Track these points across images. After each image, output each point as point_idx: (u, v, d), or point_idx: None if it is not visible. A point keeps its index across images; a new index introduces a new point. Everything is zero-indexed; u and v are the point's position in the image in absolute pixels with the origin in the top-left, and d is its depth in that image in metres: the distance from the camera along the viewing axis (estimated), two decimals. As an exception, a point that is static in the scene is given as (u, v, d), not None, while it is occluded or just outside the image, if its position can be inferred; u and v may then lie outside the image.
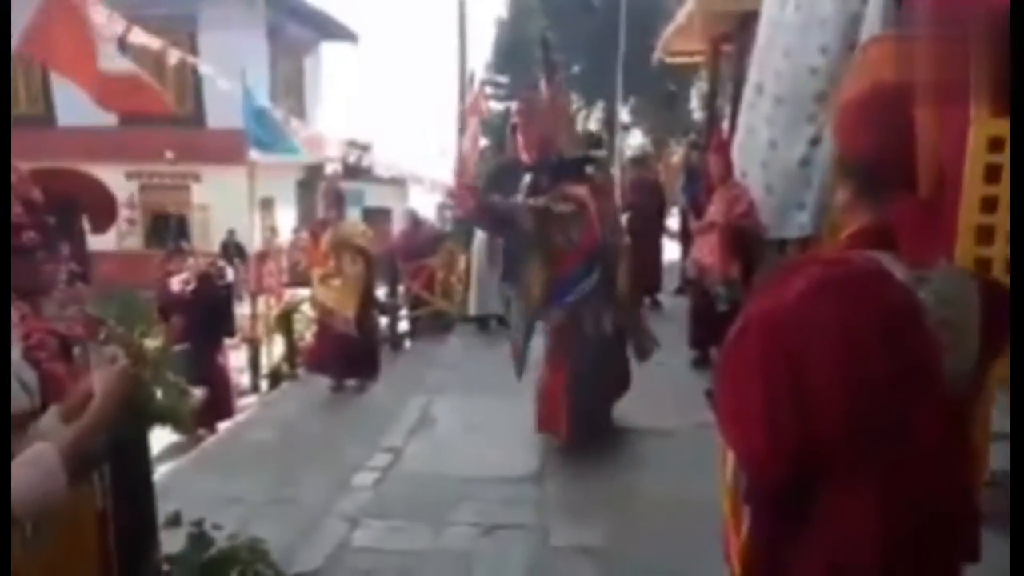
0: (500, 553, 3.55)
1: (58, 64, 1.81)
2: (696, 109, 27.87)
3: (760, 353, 1.23)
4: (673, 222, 10.15)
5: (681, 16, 9.45)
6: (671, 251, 9.26)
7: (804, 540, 1.25)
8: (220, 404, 7.25)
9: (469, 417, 5.36)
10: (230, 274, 8.03)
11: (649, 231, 8.42)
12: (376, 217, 16.68)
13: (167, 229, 16.69)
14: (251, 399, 8.20)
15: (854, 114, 1.35)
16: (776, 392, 1.20)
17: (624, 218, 8.69)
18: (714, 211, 5.77)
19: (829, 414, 1.16)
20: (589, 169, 4.84)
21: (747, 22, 7.61)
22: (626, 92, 23.86)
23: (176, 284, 6.93)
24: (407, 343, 9.20)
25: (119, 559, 2.13)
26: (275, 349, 9.13)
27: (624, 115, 26.74)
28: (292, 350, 8.93)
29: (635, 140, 30.55)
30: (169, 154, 16.02)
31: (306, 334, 8.98)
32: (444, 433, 5.13)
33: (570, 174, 4.69)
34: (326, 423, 5.94)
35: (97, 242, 2.30)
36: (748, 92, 5.96)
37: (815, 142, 5.11)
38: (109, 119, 16.46)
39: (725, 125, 9.34)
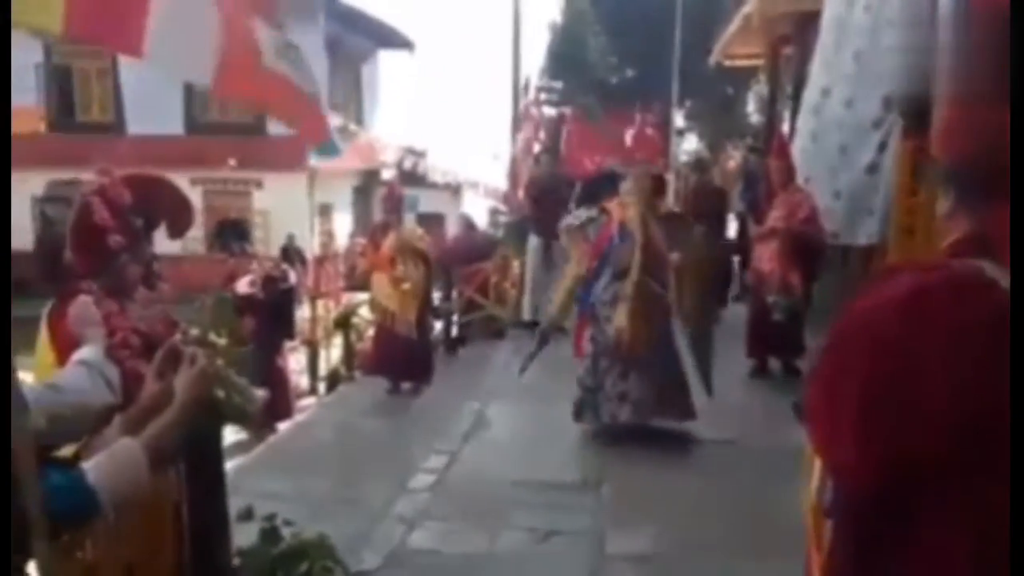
0: (555, 559, 3.56)
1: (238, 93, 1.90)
2: (753, 113, 27.41)
3: (858, 357, 1.20)
4: (730, 228, 10.01)
5: (739, 18, 9.33)
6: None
7: (892, 560, 1.21)
8: (280, 404, 7.46)
9: (523, 422, 5.38)
10: (292, 277, 8.26)
11: (702, 237, 8.33)
12: (430, 222, 16.88)
13: (229, 234, 17.28)
14: (310, 401, 8.39)
15: (960, 118, 1.31)
16: (873, 397, 1.17)
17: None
18: (775, 217, 5.68)
19: (928, 423, 1.13)
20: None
21: (807, 23, 7.48)
22: (681, 96, 23.62)
23: (243, 286, 7.18)
24: (461, 347, 9.28)
25: (193, 550, 2.22)
26: (333, 352, 9.33)
27: (679, 120, 26.44)
28: (349, 353, 9.10)
29: (690, 145, 30.22)
30: (232, 161, 16.51)
31: (364, 336, 9.15)
32: (499, 437, 5.17)
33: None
34: (383, 425, 6.03)
35: (162, 245, 2.40)
36: (812, 95, 5.86)
37: (882, 147, 5.00)
38: (176, 127, 17.20)
39: (785, 129, 9.18)
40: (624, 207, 4.94)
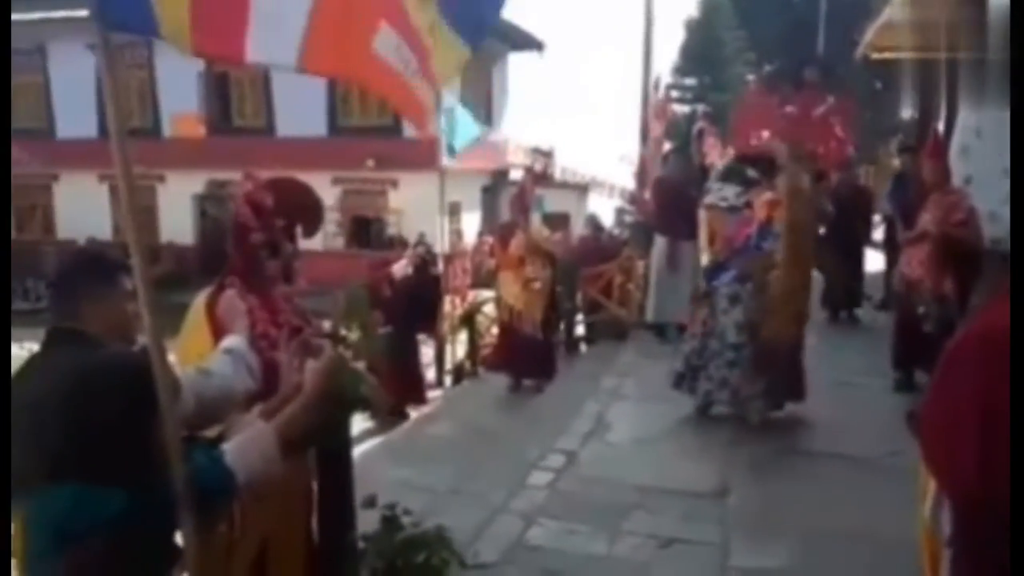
0: (676, 568, 3.46)
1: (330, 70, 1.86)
2: (904, 108, 25.55)
3: (980, 369, 1.11)
4: (877, 230, 9.37)
5: (890, 10, 8.70)
6: (875, 262, 8.54)
7: None
8: (414, 391, 7.80)
9: (644, 425, 5.28)
10: (441, 265, 8.69)
11: (851, 240, 7.83)
12: (556, 222, 16.95)
13: (367, 231, 18.11)
14: (435, 393, 8.64)
15: None
16: (994, 412, 1.07)
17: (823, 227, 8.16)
18: (927, 220, 5.25)
19: None
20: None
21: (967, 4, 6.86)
22: (824, 92, 22.37)
23: (399, 269, 7.69)
24: (583, 347, 9.25)
25: (322, 530, 2.34)
26: (458, 348, 9.56)
27: (821, 116, 25.03)
28: (474, 348, 9.30)
29: (832, 143, 28.60)
30: (370, 162, 17.27)
31: (487, 333, 9.32)
32: (619, 439, 5.09)
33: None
34: (504, 421, 6.12)
35: (304, 242, 2.54)
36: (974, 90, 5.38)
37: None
38: (320, 130, 18.21)
39: (940, 126, 8.49)
40: (772, 206, 4.80)
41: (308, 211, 2.42)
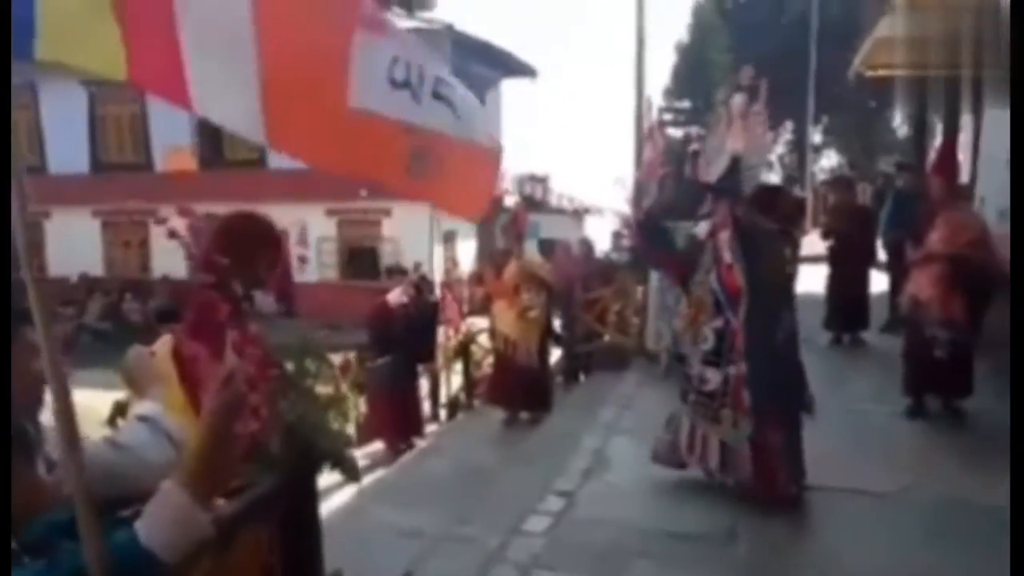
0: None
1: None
2: (900, 126, 25.58)
3: None
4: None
5: (883, 26, 8.58)
6: (878, 282, 8.31)
7: None
8: (412, 421, 7.57)
9: (645, 462, 5.01)
10: (437, 293, 8.49)
11: (853, 260, 7.62)
12: (552, 248, 16.78)
13: (360, 261, 17.93)
14: (431, 428, 8.37)
15: None
16: None
17: (825, 246, 7.96)
18: (936, 239, 5.04)
19: None
20: None
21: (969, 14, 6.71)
22: (818, 111, 22.37)
23: (394, 296, 7.50)
24: (581, 376, 8.98)
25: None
26: (454, 379, 9.30)
27: (816, 136, 25.10)
28: (470, 380, 9.04)
29: (827, 162, 28.62)
30: (363, 191, 17.16)
31: (482, 365, 9.07)
32: (620, 479, 4.82)
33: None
34: (500, 458, 5.85)
35: (300, 274, 2.31)
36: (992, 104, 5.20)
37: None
38: (312, 161, 18.12)
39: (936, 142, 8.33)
40: None
41: (264, 247, 2.20)
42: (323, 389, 2.03)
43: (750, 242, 4.16)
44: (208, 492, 1.47)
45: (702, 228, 4.48)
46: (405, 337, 7.55)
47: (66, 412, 1.32)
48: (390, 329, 7.53)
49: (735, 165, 4.23)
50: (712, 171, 4.40)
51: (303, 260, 17.58)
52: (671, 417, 4.54)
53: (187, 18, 1.45)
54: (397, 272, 8.55)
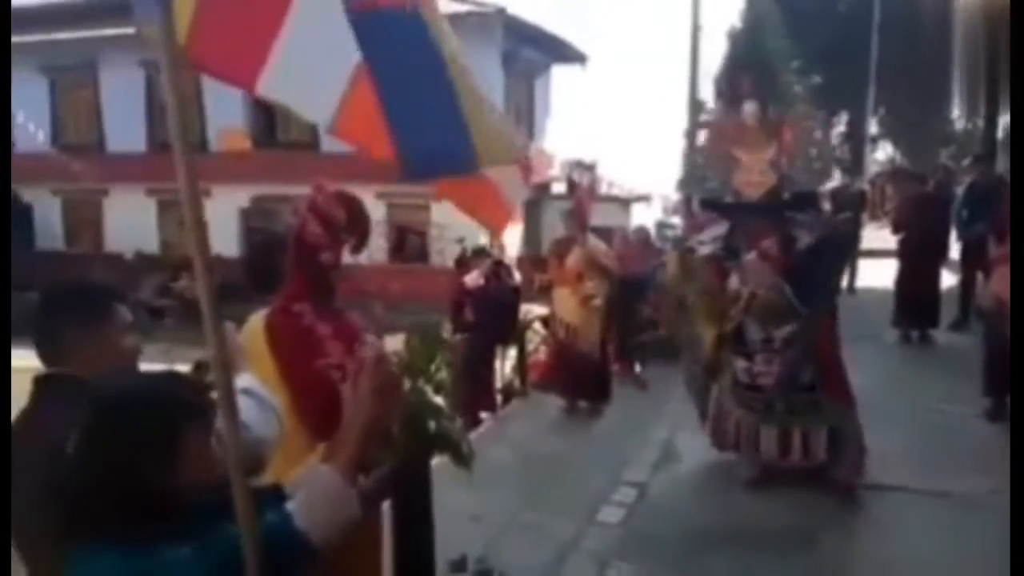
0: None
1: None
2: (958, 118, 24.73)
3: None
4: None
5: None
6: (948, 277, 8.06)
7: None
8: (485, 397, 7.60)
9: (716, 456, 4.94)
10: (516, 277, 8.50)
11: (926, 255, 7.37)
12: (598, 236, 16.64)
13: (409, 245, 18.00)
14: (484, 414, 8.36)
15: None
16: None
17: (896, 239, 7.73)
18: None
19: None
20: None
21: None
22: (876, 102, 21.75)
23: (472, 279, 7.52)
24: (637, 367, 8.88)
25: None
26: (506, 364, 9.27)
27: (872, 127, 24.41)
28: (524, 367, 9.00)
29: (882, 154, 27.86)
30: (414, 176, 17.22)
31: (535, 350, 9.01)
32: (691, 472, 4.76)
33: None
34: (562, 446, 5.81)
35: (348, 255, 2.31)
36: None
37: None
38: (363, 144, 18.21)
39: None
40: None
41: (365, 227, 2.19)
42: (442, 375, 2.01)
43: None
44: (355, 471, 1.47)
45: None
46: (481, 319, 7.57)
47: (228, 399, 1.32)
48: (466, 310, 7.59)
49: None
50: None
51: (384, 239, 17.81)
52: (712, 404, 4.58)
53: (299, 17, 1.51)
54: (480, 255, 8.59)
